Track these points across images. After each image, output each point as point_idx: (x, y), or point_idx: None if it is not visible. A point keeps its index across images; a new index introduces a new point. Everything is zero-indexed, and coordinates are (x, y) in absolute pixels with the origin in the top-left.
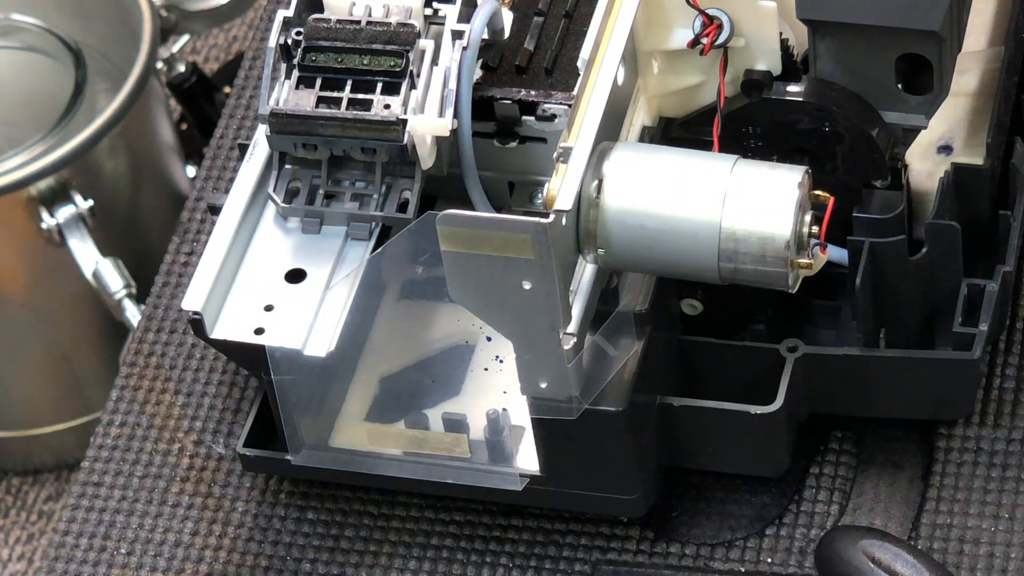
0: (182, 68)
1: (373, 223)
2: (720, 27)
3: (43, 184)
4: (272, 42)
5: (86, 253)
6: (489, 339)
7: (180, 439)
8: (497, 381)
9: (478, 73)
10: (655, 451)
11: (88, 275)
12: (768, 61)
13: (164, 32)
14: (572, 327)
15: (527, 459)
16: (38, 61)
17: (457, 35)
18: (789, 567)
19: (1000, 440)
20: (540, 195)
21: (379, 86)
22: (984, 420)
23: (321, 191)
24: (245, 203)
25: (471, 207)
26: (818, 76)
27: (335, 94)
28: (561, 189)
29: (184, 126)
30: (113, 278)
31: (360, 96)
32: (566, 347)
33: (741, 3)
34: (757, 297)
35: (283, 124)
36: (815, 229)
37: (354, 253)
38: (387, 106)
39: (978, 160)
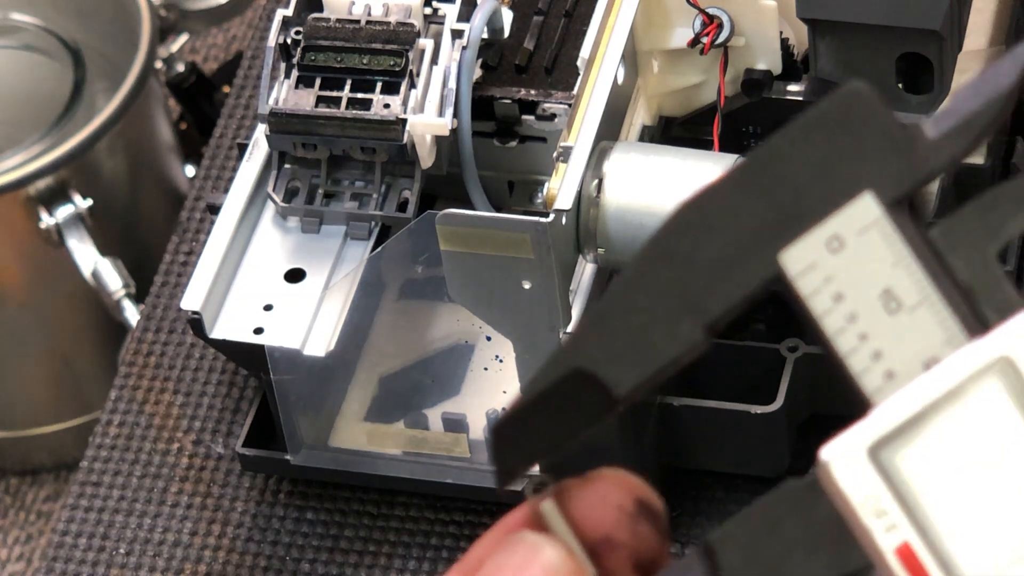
0: (181, 67)
1: (372, 222)
2: (720, 26)
3: (41, 184)
4: (271, 41)
5: (85, 253)
6: (489, 339)
7: (179, 439)
8: (497, 381)
9: (478, 72)
10: (655, 451)
11: (87, 275)
12: (768, 60)
13: (163, 31)
14: (572, 327)
15: None
16: (36, 60)
17: (457, 34)
18: None
19: None
20: (540, 195)
21: (379, 85)
22: None
23: (320, 191)
24: (244, 203)
25: (471, 207)
26: (819, 76)
27: (334, 93)
28: (561, 188)
29: (183, 126)
30: (112, 278)
31: (360, 95)
32: None
33: (741, 2)
34: None
35: (282, 124)
36: None
37: (353, 253)
38: (387, 105)
39: (979, 159)
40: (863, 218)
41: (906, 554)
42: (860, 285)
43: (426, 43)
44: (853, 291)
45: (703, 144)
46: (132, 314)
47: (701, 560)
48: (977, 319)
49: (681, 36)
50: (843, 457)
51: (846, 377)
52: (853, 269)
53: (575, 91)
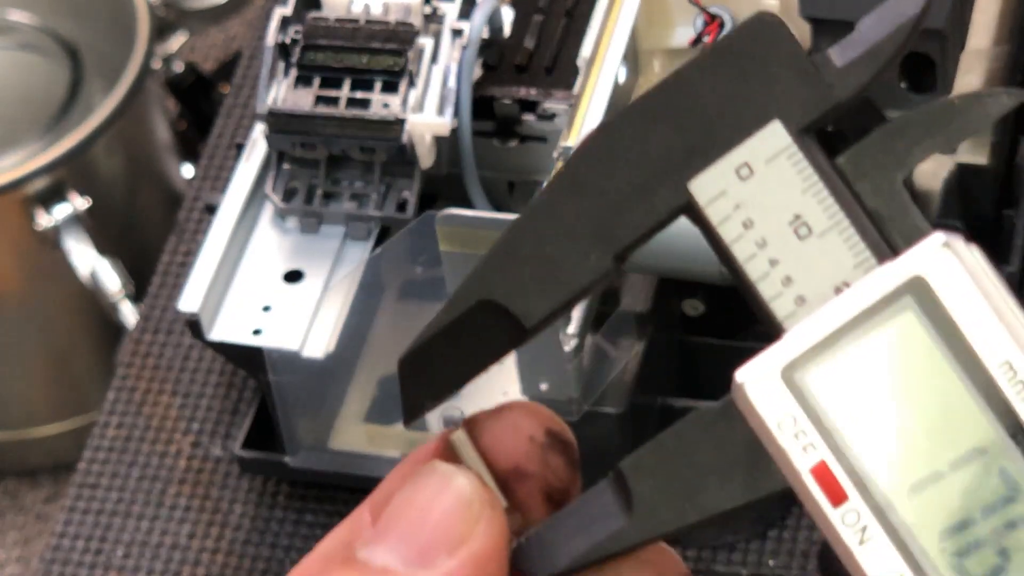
0: (179, 67)
1: (372, 223)
2: (722, 25)
3: (39, 184)
4: (269, 40)
5: (83, 253)
6: None
7: (177, 441)
8: (497, 382)
9: (478, 72)
10: None
11: (85, 275)
12: None
13: (161, 30)
14: (572, 328)
15: None
16: (33, 60)
17: (456, 33)
18: (791, 570)
19: None
20: None
21: (378, 85)
22: None
23: (319, 191)
24: (242, 203)
25: (471, 207)
26: None
27: (333, 93)
28: None
29: (182, 125)
30: (110, 278)
31: (359, 95)
32: (566, 348)
33: (743, 1)
34: None
35: (281, 123)
36: None
37: (353, 253)
38: (386, 105)
39: (982, 159)
40: (772, 146)
41: (822, 473)
42: (770, 212)
43: (426, 42)
44: (763, 218)
45: None
46: (130, 315)
47: (612, 488)
48: (887, 244)
49: (682, 35)
50: (758, 379)
51: (757, 303)
52: (763, 196)
53: (576, 91)
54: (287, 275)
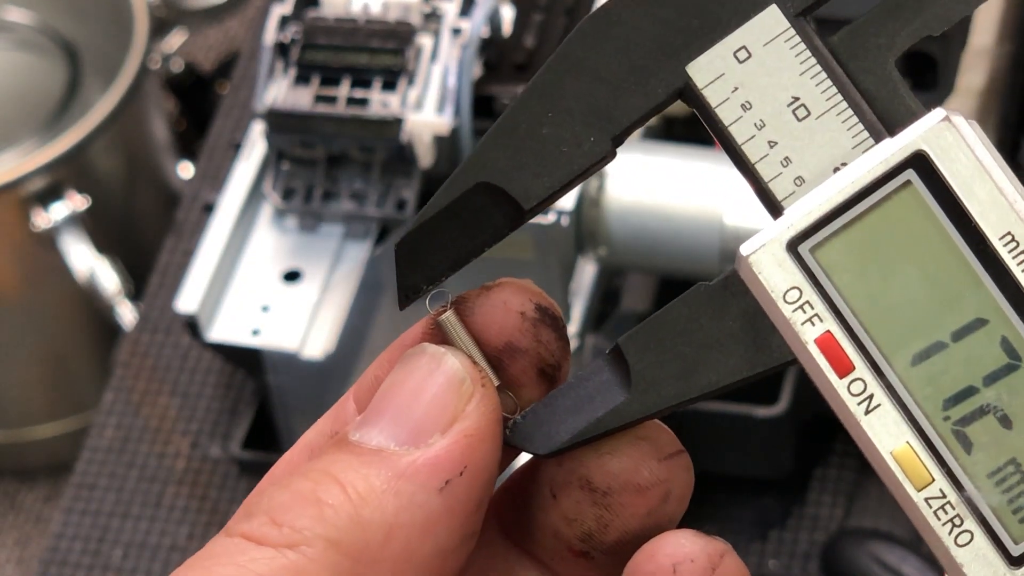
0: (178, 66)
1: (371, 222)
2: None
3: (37, 183)
4: (268, 39)
5: (80, 252)
6: None
7: (176, 441)
8: None
9: (478, 71)
10: None
11: (82, 275)
12: None
13: (159, 29)
14: (572, 327)
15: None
16: (32, 59)
17: (456, 32)
18: (792, 570)
19: None
20: None
21: (377, 84)
22: None
23: (318, 190)
24: (241, 202)
25: None
26: None
27: (333, 92)
28: None
29: (181, 124)
30: (108, 278)
31: (358, 94)
32: None
33: None
34: None
35: (280, 122)
36: None
37: (352, 252)
38: (385, 104)
39: None
40: (769, 29)
41: (827, 343)
42: (768, 93)
43: (425, 41)
44: (761, 99)
45: (705, 143)
46: (128, 314)
47: (610, 365)
48: (883, 124)
49: None
50: (764, 252)
51: (757, 184)
52: (761, 78)
53: None
54: (286, 275)
